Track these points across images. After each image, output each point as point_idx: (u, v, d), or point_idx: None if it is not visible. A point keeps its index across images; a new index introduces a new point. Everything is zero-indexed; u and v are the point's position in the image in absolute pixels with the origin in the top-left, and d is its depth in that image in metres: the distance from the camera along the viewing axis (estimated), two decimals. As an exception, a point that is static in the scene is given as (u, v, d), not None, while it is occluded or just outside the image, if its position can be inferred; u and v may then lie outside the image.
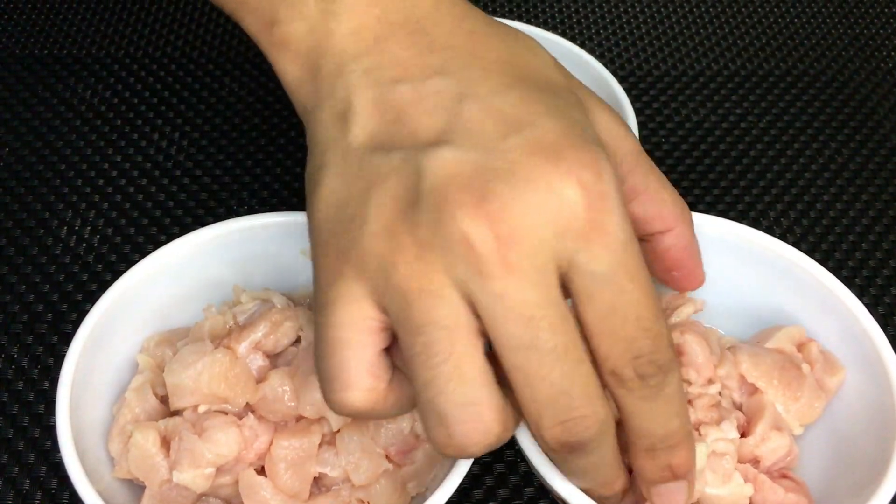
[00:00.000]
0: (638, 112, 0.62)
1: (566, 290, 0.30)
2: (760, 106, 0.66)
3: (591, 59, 0.57)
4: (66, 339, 0.50)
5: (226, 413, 0.39)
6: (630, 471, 0.36)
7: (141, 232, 0.56)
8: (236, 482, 0.39)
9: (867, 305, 0.42)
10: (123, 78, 0.66)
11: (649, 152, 0.61)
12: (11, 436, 0.47)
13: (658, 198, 0.37)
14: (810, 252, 0.53)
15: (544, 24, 0.71)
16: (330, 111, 0.33)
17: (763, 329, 0.45)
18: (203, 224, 0.44)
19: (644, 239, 0.38)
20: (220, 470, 0.38)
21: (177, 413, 0.40)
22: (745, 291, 0.46)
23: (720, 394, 0.42)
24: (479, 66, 0.33)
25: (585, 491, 0.35)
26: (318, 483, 0.40)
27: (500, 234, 0.28)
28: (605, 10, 0.74)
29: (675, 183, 0.60)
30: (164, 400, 0.41)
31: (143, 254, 0.44)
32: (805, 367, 0.42)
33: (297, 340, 0.42)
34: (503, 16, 0.71)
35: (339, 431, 0.39)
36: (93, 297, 0.50)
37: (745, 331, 0.46)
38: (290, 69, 0.35)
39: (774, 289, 0.45)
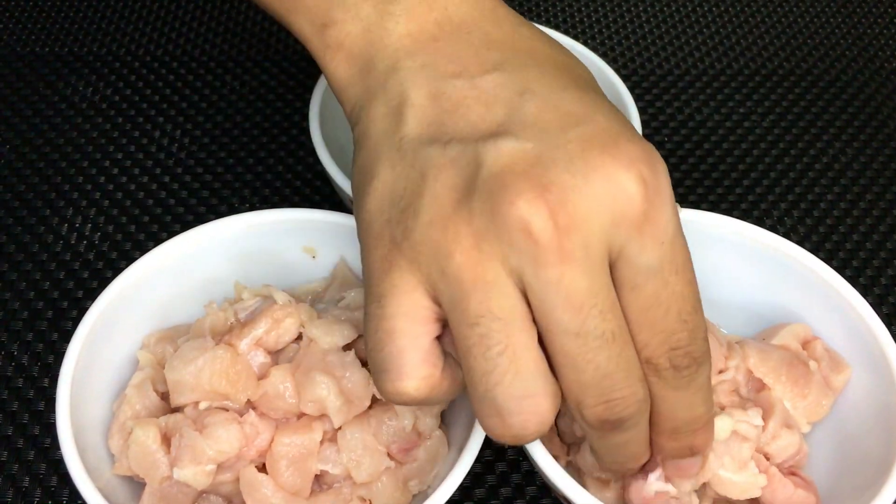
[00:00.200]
0: (641, 111, 0.61)
1: (612, 276, 0.31)
2: (764, 105, 0.66)
3: (595, 57, 0.56)
4: (67, 336, 0.50)
5: (227, 410, 0.39)
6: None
7: (142, 229, 0.56)
8: (237, 479, 0.39)
9: (871, 304, 0.42)
10: (125, 75, 0.66)
11: (652, 151, 0.62)
12: (11, 433, 0.47)
13: None
14: (814, 251, 0.53)
15: (548, 23, 0.71)
16: (384, 106, 0.33)
17: (767, 327, 0.45)
18: (204, 221, 0.44)
19: None
20: (220, 467, 0.38)
21: (177, 410, 0.40)
22: (749, 289, 0.45)
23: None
24: (536, 66, 0.33)
25: (611, 465, 0.36)
26: (320, 480, 0.40)
27: (559, 223, 0.29)
28: (609, 8, 0.74)
29: (678, 182, 0.60)
30: (164, 397, 0.41)
31: (144, 251, 0.43)
32: (812, 365, 0.42)
33: (299, 337, 0.41)
34: (506, 14, 0.70)
35: (340, 429, 0.39)
36: (93, 295, 0.50)
37: (749, 329, 0.45)
38: (341, 68, 0.35)
39: (778, 287, 0.45)
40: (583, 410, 0.31)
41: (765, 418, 0.40)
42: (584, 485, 0.41)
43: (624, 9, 0.74)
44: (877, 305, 0.52)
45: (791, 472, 0.41)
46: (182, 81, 0.66)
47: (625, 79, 0.58)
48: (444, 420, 0.42)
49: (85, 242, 0.55)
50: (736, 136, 0.63)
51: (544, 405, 0.30)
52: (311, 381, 0.38)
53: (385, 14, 0.34)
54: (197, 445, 0.37)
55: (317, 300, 0.46)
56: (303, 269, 0.46)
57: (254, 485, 0.38)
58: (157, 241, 0.53)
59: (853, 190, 0.60)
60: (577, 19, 0.72)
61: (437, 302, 0.31)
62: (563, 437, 0.42)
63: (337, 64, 0.35)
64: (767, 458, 0.40)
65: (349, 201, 0.50)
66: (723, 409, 0.40)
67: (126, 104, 0.64)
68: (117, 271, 0.43)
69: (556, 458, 0.38)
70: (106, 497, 0.36)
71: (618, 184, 0.29)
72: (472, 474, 0.45)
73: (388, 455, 0.40)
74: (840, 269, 0.50)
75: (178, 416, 0.39)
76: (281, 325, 0.41)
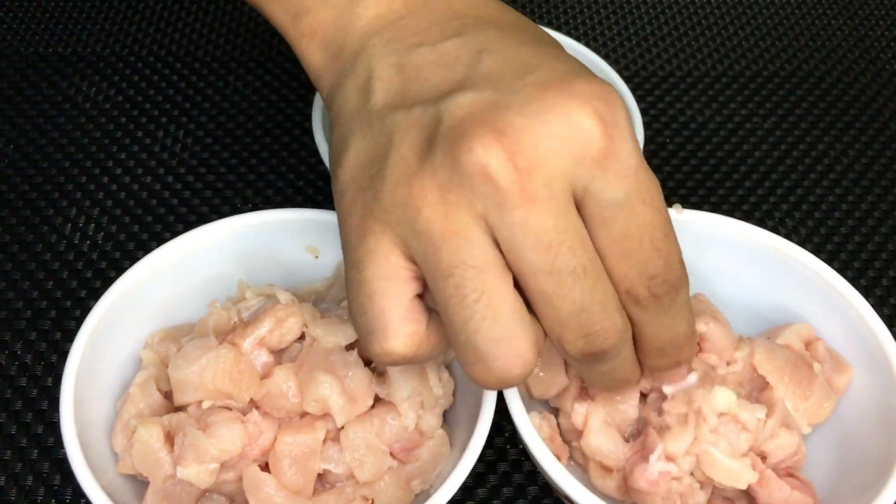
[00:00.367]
0: (643, 112, 0.61)
1: (580, 214, 0.31)
2: (765, 106, 0.66)
3: (597, 58, 0.57)
4: (70, 335, 0.50)
5: (230, 409, 0.39)
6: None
7: (145, 229, 0.56)
8: (240, 478, 0.39)
9: (873, 305, 0.42)
10: (128, 76, 0.66)
11: (654, 152, 0.62)
12: (14, 432, 0.47)
13: None
14: (815, 252, 0.53)
15: (550, 24, 0.71)
16: (353, 84, 0.35)
17: (770, 328, 0.45)
18: (207, 221, 0.44)
19: None
20: (224, 466, 0.38)
21: (181, 409, 0.40)
22: (751, 290, 0.45)
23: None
24: (496, 28, 0.34)
25: (602, 390, 0.37)
26: (322, 479, 0.40)
27: (518, 165, 0.29)
28: (611, 10, 0.74)
29: (680, 183, 0.60)
30: (167, 396, 0.41)
31: (147, 251, 0.44)
32: (816, 367, 0.42)
33: (302, 337, 0.41)
34: (508, 15, 0.70)
35: (343, 428, 0.39)
36: (96, 294, 0.50)
37: (751, 330, 0.45)
38: (316, 55, 0.37)
39: (780, 288, 0.45)
40: (565, 346, 0.32)
41: (765, 417, 0.40)
42: (587, 470, 0.41)
43: (626, 10, 0.74)
44: (878, 306, 0.52)
45: (788, 473, 0.41)
46: (185, 82, 0.66)
47: (627, 80, 0.58)
48: (447, 420, 0.42)
49: (88, 242, 0.55)
50: (738, 137, 0.63)
51: (524, 347, 0.31)
52: (314, 380, 0.38)
53: (355, 0, 0.36)
54: (200, 444, 0.37)
55: (319, 300, 0.46)
56: (306, 268, 0.46)
57: (257, 484, 0.38)
58: (161, 240, 0.53)
59: (855, 191, 0.60)
60: (579, 21, 0.73)
61: (413, 260, 0.31)
62: (564, 437, 0.42)
63: (312, 51, 0.37)
64: (764, 458, 0.40)
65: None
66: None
67: (129, 104, 0.64)
68: (120, 271, 0.43)
69: (557, 457, 0.38)
70: (109, 495, 0.36)
71: (574, 122, 0.30)
72: (474, 474, 0.45)
73: (391, 454, 0.40)
74: (841, 271, 0.50)
75: (181, 414, 0.39)
76: (284, 325, 0.41)
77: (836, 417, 0.42)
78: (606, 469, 0.40)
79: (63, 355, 0.49)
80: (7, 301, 0.52)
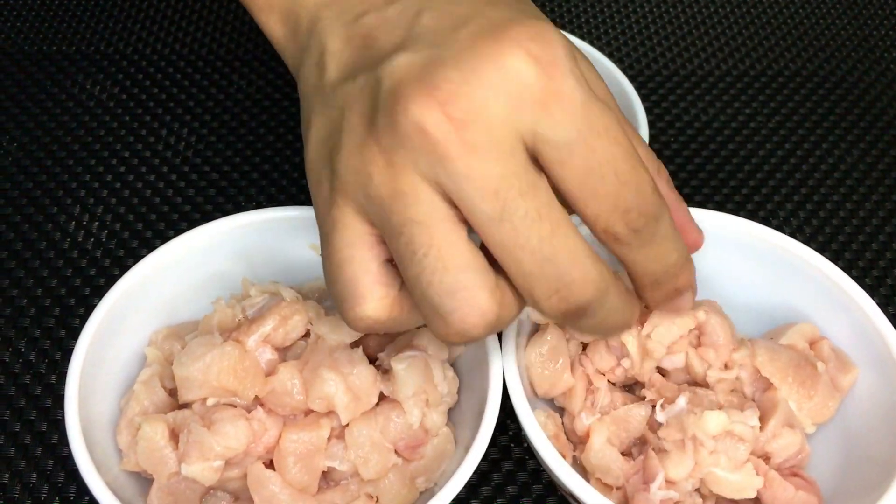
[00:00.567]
0: (648, 111, 0.61)
1: (540, 162, 0.30)
2: (770, 106, 0.65)
3: (602, 57, 0.57)
4: (74, 333, 0.50)
5: (235, 406, 0.39)
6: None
7: (148, 227, 0.56)
8: (245, 476, 0.39)
9: (878, 303, 0.42)
10: (132, 74, 0.66)
11: (658, 151, 0.62)
12: (19, 429, 0.47)
13: None
14: (820, 250, 0.53)
15: (554, 23, 0.71)
16: (310, 62, 0.35)
17: (775, 327, 0.45)
18: (211, 220, 0.44)
19: None
20: (228, 463, 0.38)
21: (185, 406, 0.40)
22: (756, 289, 0.45)
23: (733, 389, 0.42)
24: None
25: (602, 338, 0.37)
26: (327, 477, 0.40)
27: (453, 117, 0.29)
28: (616, 9, 0.74)
29: (685, 182, 0.60)
30: (172, 393, 0.41)
31: (151, 248, 0.44)
32: (820, 366, 0.41)
33: (307, 334, 0.41)
34: (512, 14, 0.70)
35: (348, 425, 0.39)
36: (100, 292, 0.50)
37: (755, 328, 0.45)
38: (275, 30, 0.37)
39: (785, 286, 0.45)
40: (540, 306, 0.31)
41: (767, 417, 0.40)
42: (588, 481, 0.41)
43: (630, 9, 0.74)
44: (883, 305, 0.52)
45: (793, 472, 0.41)
46: (189, 80, 0.66)
47: (631, 79, 0.58)
48: (451, 418, 0.42)
49: (92, 240, 0.55)
50: (742, 136, 0.63)
51: (480, 297, 0.30)
52: (319, 377, 0.38)
53: None
54: (205, 441, 0.37)
55: (324, 297, 0.46)
56: (310, 266, 0.46)
57: (261, 481, 0.38)
58: (164, 238, 0.53)
59: (859, 190, 0.60)
60: (583, 20, 0.73)
61: (374, 225, 0.32)
62: (569, 436, 0.42)
63: (272, 25, 0.37)
64: (768, 458, 0.40)
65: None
66: (720, 407, 0.40)
67: (133, 103, 0.64)
68: (124, 269, 0.43)
69: (562, 455, 0.38)
70: (114, 492, 0.36)
71: (508, 67, 0.29)
72: (478, 472, 0.45)
73: (396, 452, 0.40)
74: (846, 269, 0.50)
75: (185, 412, 0.40)
76: (288, 322, 0.41)
77: (841, 416, 0.42)
78: (607, 486, 0.40)
79: (67, 353, 0.49)
80: (11, 299, 0.52)
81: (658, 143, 0.62)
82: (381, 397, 0.40)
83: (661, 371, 0.43)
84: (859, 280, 0.53)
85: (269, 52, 0.68)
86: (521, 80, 0.29)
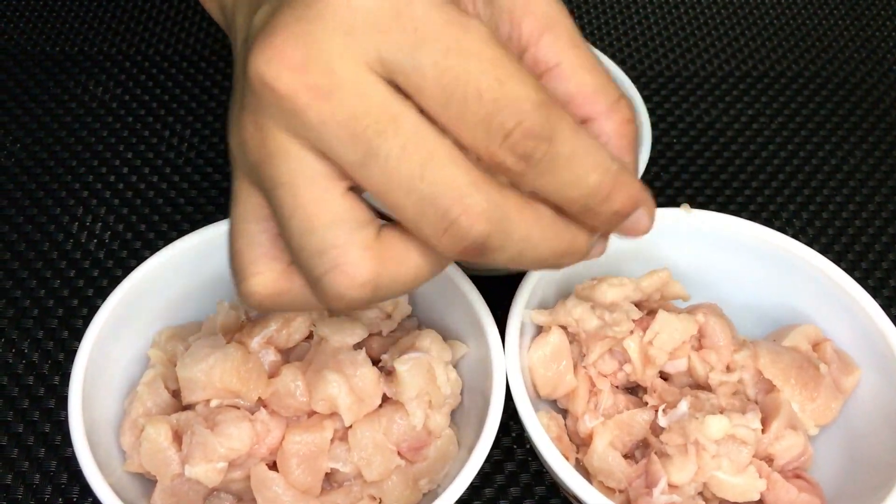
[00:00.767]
0: (650, 112, 0.61)
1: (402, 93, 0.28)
2: (772, 107, 0.65)
3: (604, 57, 0.56)
4: (77, 334, 0.50)
5: (238, 408, 0.39)
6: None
7: (151, 228, 0.56)
8: (248, 477, 0.39)
9: (881, 305, 0.42)
10: (134, 74, 0.66)
11: (661, 152, 0.62)
12: (21, 430, 0.47)
13: (573, 78, 0.31)
14: (823, 252, 0.53)
15: (556, 24, 0.71)
16: (236, 42, 0.33)
17: (778, 328, 0.45)
18: (214, 220, 0.44)
19: None
20: (231, 464, 0.38)
21: (189, 407, 0.40)
22: (759, 290, 0.45)
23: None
24: None
25: (543, 268, 0.31)
26: (330, 479, 0.40)
27: (290, 65, 0.27)
28: (618, 10, 0.74)
29: (687, 183, 0.60)
30: (175, 394, 0.41)
31: (154, 250, 0.44)
32: (823, 368, 0.42)
33: (310, 336, 0.42)
34: (514, 15, 0.70)
35: (351, 427, 0.39)
36: (103, 293, 0.50)
37: (758, 330, 0.45)
38: (216, 16, 0.36)
39: (788, 288, 0.45)
40: (437, 249, 0.28)
41: (770, 419, 0.40)
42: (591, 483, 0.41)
43: (633, 10, 0.74)
44: (886, 306, 0.52)
45: (795, 474, 0.41)
46: (192, 80, 0.66)
47: (634, 80, 0.58)
48: (454, 419, 0.42)
49: (95, 241, 0.55)
50: (745, 137, 0.63)
51: (351, 254, 0.28)
52: (322, 379, 0.38)
53: None
54: (208, 443, 0.37)
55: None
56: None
57: (264, 482, 0.38)
58: (167, 239, 0.53)
59: (862, 192, 0.60)
60: (586, 21, 0.73)
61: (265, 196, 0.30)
62: (572, 438, 0.42)
63: (214, 13, 0.37)
64: (771, 460, 0.40)
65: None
66: (721, 411, 0.40)
67: (136, 103, 0.64)
68: (127, 270, 0.43)
69: (565, 457, 0.38)
70: (117, 494, 0.36)
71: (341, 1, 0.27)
72: (481, 474, 0.45)
73: (399, 454, 0.40)
74: (849, 271, 0.50)
75: (189, 413, 0.40)
76: (292, 324, 0.41)
77: (844, 418, 0.42)
78: (609, 490, 0.40)
79: (70, 354, 0.49)
80: (14, 300, 0.52)
81: (661, 145, 0.62)
82: (385, 399, 0.40)
83: (664, 375, 0.43)
84: (862, 281, 0.53)
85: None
86: (353, 10, 0.26)
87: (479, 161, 0.27)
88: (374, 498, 0.40)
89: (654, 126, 0.63)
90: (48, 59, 0.67)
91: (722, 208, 0.58)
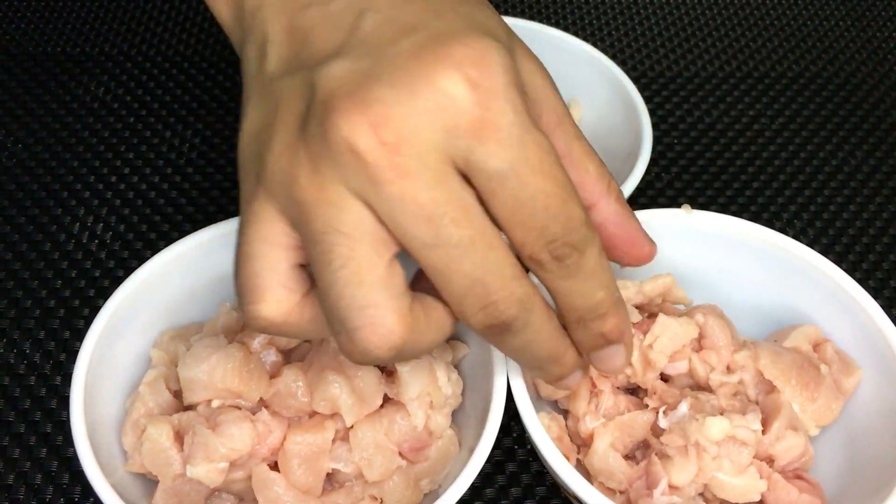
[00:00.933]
0: (651, 112, 0.61)
1: (472, 185, 0.30)
2: (773, 108, 0.66)
3: (605, 58, 0.57)
4: (79, 334, 0.50)
5: (239, 408, 0.39)
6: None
7: (153, 228, 0.56)
8: (249, 477, 0.39)
9: (882, 306, 0.42)
10: (136, 75, 0.66)
11: (662, 153, 0.62)
12: (23, 430, 0.47)
13: (579, 166, 0.35)
14: (824, 253, 0.53)
15: (558, 25, 0.71)
16: (252, 46, 0.34)
17: (778, 329, 0.45)
18: (215, 221, 0.44)
19: None
20: (233, 465, 0.38)
21: (190, 408, 0.40)
22: (760, 291, 0.45)
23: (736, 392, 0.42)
24: None
25: (537, 375, 0.36)
26: (331, 479, 0.40)
27: (384, 140, 0.28)
28: (619, 10, 0.74)
29: (688, 184, 0.60)
30: (177, 395, 0.41)
31: (155, 250, 0.44)
32: (824, 368, 0.42)
33: (311, 336, 0.42)
34: (517, 15, 0.71)
35: (352, 427, 0.39)
36: (105, 293, 0.50)
37: (759, 330, 0.45)
38: (224, 12, 0.36)
39: (789, 289, 0.45)
40: (468, 320, 0.31)
41: (770, 420, 0.40)
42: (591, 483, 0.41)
43: (634, 11, 0.74)
44: (887, 307, 0.52)
45: (796, 474, 0.41)
46: (193, 82, 0.66)
47: (635, 81, 0.58)
48: (456, 420, 0.42)
49: (96, 241, 0.55)
50: (746, 138, 0.63)
51: (388, 318, 0.30)
52: (324, 379, 0.39)
53: None
54: (209, 443, 0.37)
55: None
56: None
57: (266, 483, 0.38)
58: (168, 240, 0.53)
59: (863, 192, 0.60)
60: (586, 21, 0.73)
61: (295, 228, 0.31)
62: (573, 438, 0.42)
63: (220, 8, 0.36)
64: (772, 461, 0.40)
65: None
66: (722, 412, 0.40)
67: (137, 104, 0.64)
68: (129, 270, 0.43)
69: (566, 457, 0.38)
70: (118, 494, 0.36)
71: (443, 91, 0.28)
72: (482, 474, 0.45)
73: (400, 454, 0.40)
74: (850, 272, 0.50)
75: (190, 413, 0.40)
76: (293, 325, 0.41)
77: (845, 418, 0.42)
78: (610, 490, 0.41)
79: (71, 354, 0.49)
80: (16, 300, 0.52)
81: (661, 145, 0.62)
82: (386, 399, 0.40)
83: (665, 376, 0.43)
84: (863, 282, 0.53)
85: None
86: (457, 107, 0.29)
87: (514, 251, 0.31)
88: (376, 498, 0.40)
89: (654, 127, 0.63)
90: (50, 59, 0.67)
91: (723, 209, 0.58)
